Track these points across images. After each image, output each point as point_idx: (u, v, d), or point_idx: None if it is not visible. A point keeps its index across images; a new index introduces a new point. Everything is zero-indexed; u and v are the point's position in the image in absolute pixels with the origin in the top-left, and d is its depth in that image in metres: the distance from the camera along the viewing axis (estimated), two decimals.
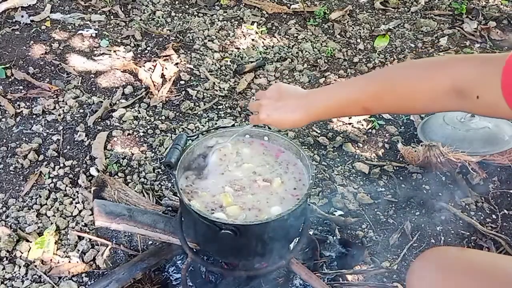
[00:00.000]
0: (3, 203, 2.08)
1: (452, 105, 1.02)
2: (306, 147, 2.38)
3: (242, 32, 3.20)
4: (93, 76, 2.76)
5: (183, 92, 2.69)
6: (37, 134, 2.41)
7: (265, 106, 1.30)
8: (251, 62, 2.93)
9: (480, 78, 0.96)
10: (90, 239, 1.90)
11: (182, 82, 2.76)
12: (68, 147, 2.34)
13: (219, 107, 2.62)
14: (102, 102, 2.58)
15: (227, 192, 1.43)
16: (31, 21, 3.11)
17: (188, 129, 2.46)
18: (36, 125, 2.45)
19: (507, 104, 0.90)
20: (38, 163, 2.26)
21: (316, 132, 2.48)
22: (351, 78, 1.18)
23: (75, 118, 2.50)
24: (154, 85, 2.72)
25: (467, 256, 1.21)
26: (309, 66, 2.94)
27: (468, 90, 0.97)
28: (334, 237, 1.88)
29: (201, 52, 2.99)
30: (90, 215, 1.99)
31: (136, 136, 2.42)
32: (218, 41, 3.09)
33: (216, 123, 2.49)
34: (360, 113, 1.33)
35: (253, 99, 2.66)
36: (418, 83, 1.06)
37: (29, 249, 1.88)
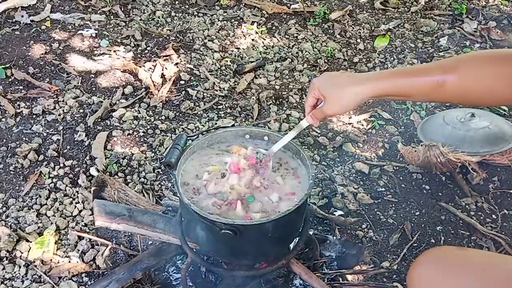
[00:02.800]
0: (3, 203, 2.08)
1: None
2: (306, 147, 2.38)
3: (242, 32, 3.20)
4: (93, 76, 2.76)
5: (183, 92, 2.69)
6: (37, 134, 2.41)
7: (321, 78, 1.27)
8: (251, 62, 2.93)
9: None
10: (90, 239, 1.90)
11: (182, 82, 2.76)
12: (68, 147, 2.34)
13: (219, 107, 2.62)
14: (102, 102, 2.58)
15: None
16: (31, 21, 3.11)
17: (188, 129, 2.46)
18: (36, 125, 2.45)
19: None
20: (38, 163, 2.26)
21: (316, 132, 2.48)
22: (415, 66, 1.17)
23: (75, 118, 2.50)
24: (154, 85, 2.72)
25: (468, 255, 1.21)
26: (309, 66, 2.94)
27: None
28: (334, 237, 1.88)
29: (201, 52, 2.99)
30: (90, 215, 1.99)
31: (136, 136, 2.42)
32: (218, 41, 3.09)
33: (216, 123, 2.49)
34: (431, 94, 1.22)
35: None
36: (485, 78, 1.08)
37: (29, 249, 1.88)
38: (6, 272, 1.82)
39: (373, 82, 1.19)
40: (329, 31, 3.26)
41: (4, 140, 2.37)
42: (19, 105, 2.56)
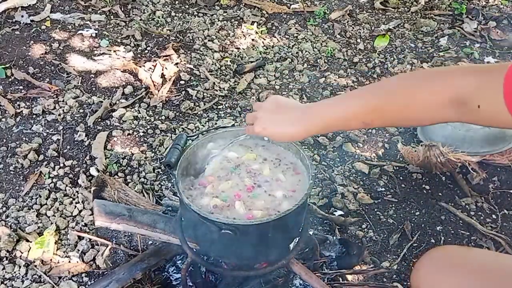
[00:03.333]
0: (3, 203, 2.08)
1: (453, 116, 1.01)
2: (306, 147, 2.38)
3: (242, 32, 3.20)
4: (93, 76, 2.76)
5: (183, 92, 2.69)
6: (37, 134, 2.41)
7: (261, 118, 1.27)
8: (251, 62, 2.93)
9: (481, 88, 0.95)
10: (90, 239, 1.90)
11: (182, 82, 2.76)
12: (68, 147, 2.34)
13: (219, 107, 2.62)
14: (102, 102, 2.58)
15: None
16: (31, 21, 3.11)
17: (188, 129, 2.46)
18: (36, 125, 2.45)
19: (509, 113, 0.89)
20: (38, 163, 2.26)
21: None
22: (351, 91, 1.15)
23: (75, 118, 2.50)
24: (154, 85, 2.72)
25: (471, 255, 1.21)
26: (309, 66, 2.94)
27: (469, 100, 0.96)
28: (334, 237, 1.88)
29: (201, 52, 2.99)
30: (90, 215, 1.99)
31: (136, 136, 2.42)
32: (218, 41, 3.09)
33: (216, 123, 2.49)
34: (360, 127, 1.28)
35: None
36: (419, 97, 1.05)
37: (29, 249, 1.88)
38: (6, 272, 1.82)
39: (307, 126, 1.21)
40: (329, 31, 3.26)
41: (4, 140, 2.37)
42: (19, 105, 2.56)
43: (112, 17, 3.24)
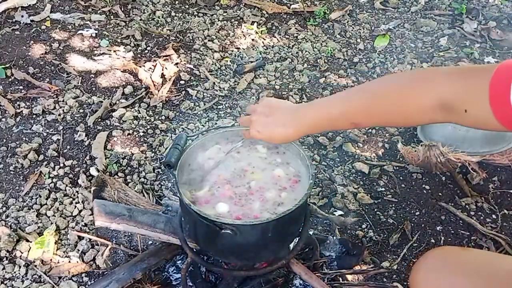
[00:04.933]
0: (3, 203, 2.08)
1: (440, 118, 1.02)
2: (306, 147, 2.38)
3: (242, 32, 3.20)
4: (93, 76, 2.76)
5: (183, 92, 2.69)
6: (37, 134, 2.41)
7: (255, 121, 1.30)
8: (251, 62, 2.93)
9: (467, 92, 0.95)
10: (90, 239, 1.90)
11: (182, 82, 2.76)
12: (68, 147, 2.34)
13: (219, 107, 2.62)
14: (102, 102, 2.58)
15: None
16: (31, 21, 3.11)
17: (188, 129, 2.46)
18: (36, 125, 2.45)
19: (495, 117, 0.89)
20: (38, 163, 2.26)
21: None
22: (342, 91, 1.17)
23: (75, 118, 2.50)
24: (154, 85, 2.72)
25: (470, 255, 1.21)
26: (309, 66, 2.94)
27: (455, 104, 0.96)
28: (334, 237, 1.88)
29: (201, 52, 2.99)
30: (90, 215, 1.99)
31: (136, 136, 2.42)
32: (218, 41, 3.09)
33: (216, 123, 2.49)
34: (349, 127, 1.33)
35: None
36: (406, 99, 1.06)
37: (29, 249, 1.88)
38: (6, 272, 1.82)
39: (297, 126, 1.25)
40: (329, 31, 3.26)
41: (4, 140, 2.37)
42: (19, 105, 2.56)
43: (112, 17, 3.24)
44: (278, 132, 1.27)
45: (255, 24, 3.27)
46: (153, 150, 2.35)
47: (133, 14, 3.28)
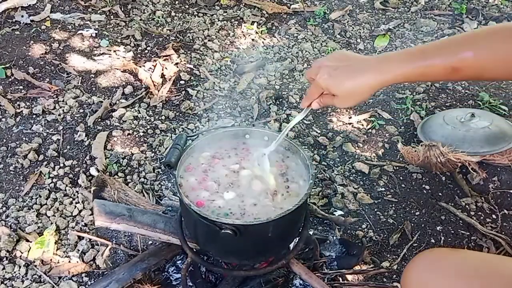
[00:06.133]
0: (3, 203, 2.08)
1: None
2: (306, 147, 2.38)
3: (242, 32, 3.20)
4: (93, 76, 2.76)
5: (183, 92, 2.69)
6: (37, 134, 2.41)
7: (326, 67, 1.12)
8: (251, 62, 2.93)
9: None
10: (90, 239, 1.90)
11: (182, 82, 2.76)
12: (68, 147, 2.35)
13: (219, 107, 2.62)
14: (102, 102, 2.58)
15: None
16: (31, 21, 3.11)
17: (188, 129, 2.46)
18: (36, 125, 2.45)
19: None
20: (38, 163, 2.26)
21: (316, 132, 2.48)
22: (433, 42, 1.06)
23: (75, 118, 2.50)
24: (154, 85, 2.72)
25: (460, 257, 1.20)
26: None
27: None
28: (334, 237, 1.88)
29: (201, 52, 2.99)
30: (90, 215, 1.99)
31: (136, 136, 2.42)
32: (218, 41, 3.09)
33: (216, 123, 2.49)
34: (445, 77, 1.16)
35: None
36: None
37: (29, 249, 1.88)
38: (6, 272, 1.82)
39: (388, 70, 1.09)
40: (329, 31, 3.26)
41: (4, 140, 2.37)
42: (19, 105, 2.56)
43: (112, 17, 3.24)
44: (357, 80, 1.10)
45: (255, 24, 3.27)
46: (153, 150, 2.35)
47: (133, 14, 3.28)
